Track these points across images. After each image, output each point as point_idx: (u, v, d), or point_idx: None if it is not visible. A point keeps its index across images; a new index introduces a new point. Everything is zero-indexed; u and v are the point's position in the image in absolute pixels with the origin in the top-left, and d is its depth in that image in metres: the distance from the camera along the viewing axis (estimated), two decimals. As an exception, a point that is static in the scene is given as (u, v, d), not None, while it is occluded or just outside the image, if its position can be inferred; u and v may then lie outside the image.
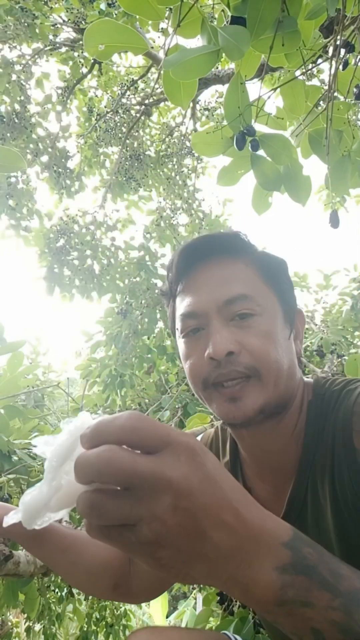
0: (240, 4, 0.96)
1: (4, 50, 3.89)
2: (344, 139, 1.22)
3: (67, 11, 3.99)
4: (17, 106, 4.15)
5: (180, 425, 3.48)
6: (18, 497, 2.04)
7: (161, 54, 3.64)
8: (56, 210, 4.79)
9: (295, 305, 0.79)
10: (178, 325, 0.76)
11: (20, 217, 4.36)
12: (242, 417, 0.67)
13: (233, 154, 1.17)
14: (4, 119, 4.09)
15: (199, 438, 0.94)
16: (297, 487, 0.72)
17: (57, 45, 4.27)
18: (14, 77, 3.99)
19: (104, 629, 2.89)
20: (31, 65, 4.13)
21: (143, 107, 4.92)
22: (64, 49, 4.34)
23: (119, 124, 4.88)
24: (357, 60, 1.14)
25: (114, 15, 3.53)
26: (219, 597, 1.33)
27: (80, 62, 4.40)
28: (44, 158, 4.55)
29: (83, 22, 3.93)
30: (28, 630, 2.74)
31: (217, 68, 3.95)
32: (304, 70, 1.19)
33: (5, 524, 0.49)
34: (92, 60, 4.34)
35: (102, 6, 3.60)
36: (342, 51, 1.13)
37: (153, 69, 4.69)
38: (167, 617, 3.82)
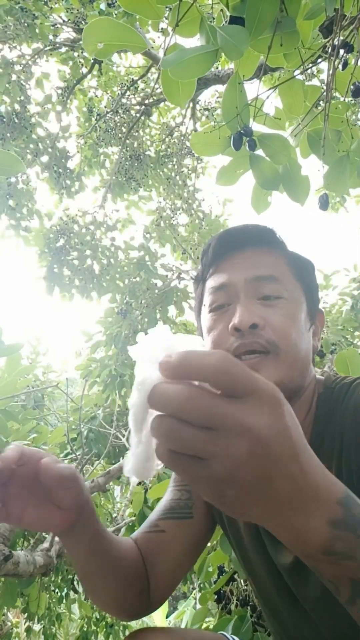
0: (239, 3, 0.95)
1: (4, 50, 3.90)
2: (342, 139, 1.22)
3: (67, 11, 3.99)
4: (17, 106, 4.15)
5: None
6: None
7: (161, 54, 3.64)
8: (56, 210, 4.80)
9: (318, 305, 0.82)
10: (206, 300, 0.78)
11: (20, 217, 4.36)
12: None
13: (232, 153, 1.17)
14: (4, 119, 4.09)
15: None
16: None
17: (57, 45, 4.27)
18: (14, 77, 3.99)
19: (104, 629, 2.89)
20: (31, 65, 4.14)
21: (143, 107, 4.92)
22: (64, 49, 4.35)
23: (119, 124, 4.88)
24: (356, 60, 1.14)
25: (114, 16, 3.54)
26: (216, 597, 1.33)
27: (80, 62, 4.40)
28: (44, 158, 4.55)
29: (83, 22, 3.94)
30: (28, 630, 2.74)
31: (217, 68, 3.96)
32: (302, 70, 1.19)
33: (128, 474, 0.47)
34: (92, 60, 4.34)
35: (102, 6, 3.61)
36: (341, 51, 1.13)
37: (153, 69, 4.69)
38: (167, 617, 3.82)
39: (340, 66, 1.14)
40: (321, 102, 1.24)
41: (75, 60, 4.38)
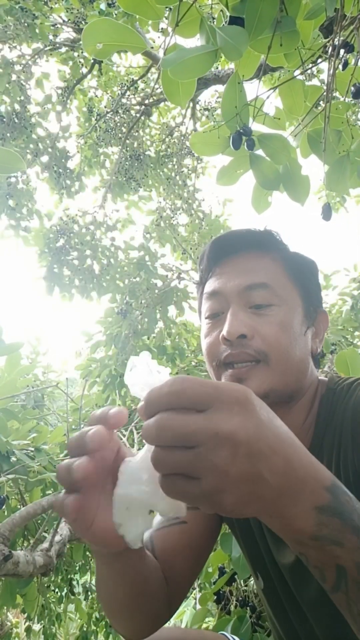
0: (239, 4, 0.95)
1: (4, 50, 3.90)
2: (342, 139, 1.21)
3: (67, 11, 3.99)
4: (17, 106, 4.15)
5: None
6: (16, 497, 2.04)
7: (161, 54, 3.64)
8: (56, 210, 4.79)
9: (319, 306, 0.81)
10: (203, 306, 0.80)
11: (20, 217, 4.36)
12: None
13: (232, 153, 1.17)
14: (4, 119, 4.09)
15: None
16: None
17: (57, 45, 4.27)
18: (14, 77, 3.99)
19: (104, 629, 2.89)
20: (31, 65, 4.13)
21: (143, 107, 4.92)
22: (64, 49, 4.35)
23: (119, 124, 4.88)
24: (357, 60, 1.14)
25: (114, 16, 3.53)
26: (215, 597, 1.33)
27: (80, 62, 4.40)
28: (44, 158, 4.55)
29: (83, 22, 3.94)
30: (28, 630, 2.73)
31: (217, 68, 3.95)
32: (303, 70, 1.19)
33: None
34: (92, 60, 4.34)
35: (102, 6, 3.60)
36: (342, 51, 1.13)
37: (153, 69, 4.69)
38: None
39: (340, 66, 1.14)
40: (321, 102, 1.23)
41: (75, 60, 4.38)
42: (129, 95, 4.91)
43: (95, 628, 2.87)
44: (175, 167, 5.06)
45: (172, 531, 0.79)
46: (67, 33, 4.28)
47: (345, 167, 1.19)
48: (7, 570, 1.46)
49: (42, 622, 2.65)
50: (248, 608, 1.23)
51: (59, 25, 4.10)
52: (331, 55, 1.13)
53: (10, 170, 0.92)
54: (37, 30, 3.72)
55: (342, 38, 1.10)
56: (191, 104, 4.76)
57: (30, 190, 4.46)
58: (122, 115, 4.87)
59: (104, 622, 2.88)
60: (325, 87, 1.17)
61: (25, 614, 2.44)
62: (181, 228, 4.77)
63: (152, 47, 4.03)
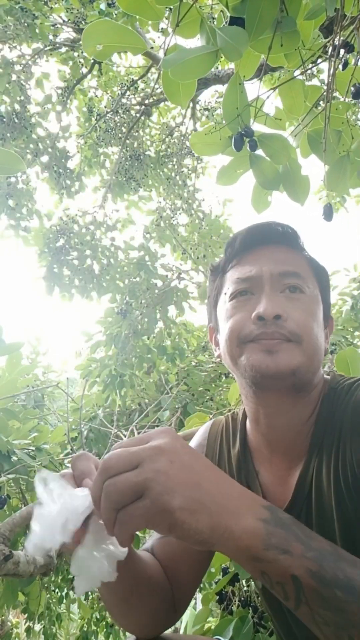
0: (239, 4, 0.95)
1: (4, 50, 3.90)
2: (342, 139, 1.22)
3: (67, 11, 3.99)
4: (17, 106, 4.15)
5: (180, 424, 3.48)
6: (17, 497, 2.05)
7: (161, 54, 3.64)
8: (56, 210, 4.79)
9: (330, 310, 0.84)
10: (228, 289, 0.79)
11: (20, 217, 4.36)
12: (274, 369, 0.68)
13: (232, 153, 1.17)
14: (4, 119, 4.09)
15: (209, 424, 0.95)
16: (304, 472, 0.73)
17: (57, 45, 4.27)
18: (14, 77, 3.99)
19: (104, 629, 2.89)
20: (31, 65, 4.14)
21: (143, 107, 4.92)
22: (64, 49, 4.35)
23: (119, 124, 4.88)
24: (357, 60, 1.14)
25: (114, 16, 3.53)
26: (217, 597, 1.33)
27: (80, 62, 4.40)
28: (44, 158, 4.55)
29: (83, 22, 3.94)
30: (28, 630, 2.74)
31: (217, 68, 3.95)
32: (303, 70, 1.19)
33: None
34: (92, 60, 4.34)
35: (102, 6, 3.60)
36: (342, 51, 1.13)
37: (153, 69, 4.69)
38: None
39: (340, 66, 1.14)
40: (321, 102, 1.24)
41: (75, 60, 4.38)
42: (129, 95, 4.92)
43: (95, 628, 2.87)
44: (175, 167, 5.07)
45: (170, 539, 0.79)
46: (67, 33, 4.28)
47: (346, 167, 1.19)
48: (8, 570, 1.46)
49: (43, 622, 2.65)
50: (250, 608, 1.23)
51: (59, 25, 4.11)
52: (331, 55, 1.13)
53: (10, 170, 0.92)
54: (37, 30, 3.72)
55: (342, 38, 1.10)
56: (191, 104, 4.76)
57: (30, 190, 4.46)
58: (122, 115, 4.87)
59: (104, 623, 2.89)
60: (325, 87, 1.18)
61: (26, 614, 2.44)
62: (181, 228, 4.77)
63: (152, 47, 4.03)
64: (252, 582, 1.26)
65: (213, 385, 4.06)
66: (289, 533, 0.50)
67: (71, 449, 2.28)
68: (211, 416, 1.64)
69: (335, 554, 0.51)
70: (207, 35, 0.94)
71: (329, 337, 0.82)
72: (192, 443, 0.94)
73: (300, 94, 1.19)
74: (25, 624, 2.82)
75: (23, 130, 4.21)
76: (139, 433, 2.95)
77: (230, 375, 4.20)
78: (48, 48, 4.16)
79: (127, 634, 0.77)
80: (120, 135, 4.88)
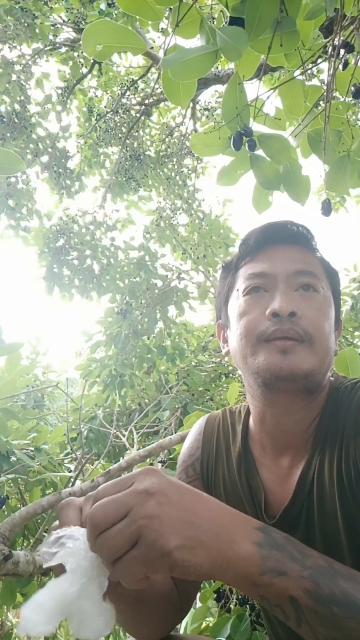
0: (239, 4, 0.95)
1: (4, 50, 3.89)
2: (343, 139, 1.22)
3: (67, 11, 3.99)
4: (17, 106, 4.15)
5: (179, 424, 3.48)
6: (16, 497, 2.04)
7: (161, 54, 3.64)
8: (56, 210, 4.79)
9: (340, 314, 0.84)
10: (241, 285, 0.79)
11: (20, 217, 4.36)
12: (288, 369, 0.68)
13: (232, 154, 1.17)
14: (4, 119, 4.08)
15: (204, 418, 0.94)
16: (306, 469, 0.73)
17: (57, 45, 4.27)
18: (14, 77, 3.99)
19: (104, 629, 2.88)
20: (31, 65, 4.13)
21: (143, 107, 4.92)
22: (64, 49, 4.34)
23: (119, 124, 4.88)
24: (357, 60, 1.14)
25: (114, 15, 3.53)
26: (215, 595, 1.33)
27: (80, 62, 4.40)
28: (44, 158, 4.55)
29: (83, 22, 3.93)
30: (27, 630, 2.73)
31: (217, 68, 3.95)
32: (303, 71, 1.19)
33: None
34: (92, 60, 4.34)
35: (102, 6, 3.60)
36: (342, 51, 1.13)
37: (153, 69, 4.69)
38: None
39: (340, 66, 1.14)
40: (321, 102, 1.24)
41: (75, 60, 4.38)
42: (129, 95, 4.91)
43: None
44: (175, 167, 5.06)
45: None
46: (67, 33, 4.28)
47: (346, 167, 1.19)
48: (7, 570, 1.46)
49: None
50: (247, 606, 1.23)
51: (59, 25, 4.10)
52: (331, 55, 1.13)
53: (10, 170, 0.92)
54: (37, 30, 3.72)
55: (342, 38, 1.10)
56: (191, 104, 4.76)
57: (30, 190, 4.46)
58: (122, 115, 4.87)
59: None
60: (325, 87, 1.18)
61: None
62: (181, 228, 4.77)
63: (152, 48, 4.03)
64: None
65: (213, 385, 4.06)
66: (283, 554, 0.51)
67: (71, 449, 2.28)
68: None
69: (331, 569, 0.51)
70: (207, 35, 0.94)
71: (337, 340, 0.82)
72: (188, 438, 0.94)
73: (300, 94, 1.19)
74: (24, 624, 2.81)
75: (23, 130, 4.21)
76: (138, 433, 2.95)
77: (230, 375, 4.20)
78: (48, 48, 4.16)
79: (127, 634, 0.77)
80: (120, 135, 4.88)
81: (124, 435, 2.76)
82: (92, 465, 2.53)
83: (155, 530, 0.47)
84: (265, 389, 0.71)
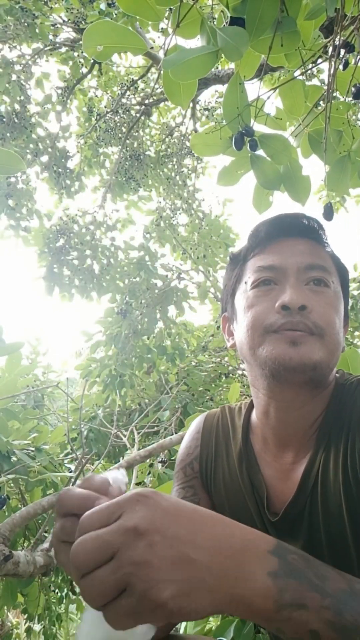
0: (239, 4, 0.95)
1: (4, 50, 3.89)
2: (343, 139, 1.22)
3: (67, 11, 3.99)
4: (17, 106, 4.15)
5: (179, 424, 3.48)
6: (17, 497, 2.04)
7: (161, 54, 3.64)
8: (56, 210, 4.80)
9: (348, 309, 0.83)
10: (249, 278, 0.77)
11: (20, 217, 4.36)
12: (298, 360, 0.67)
13: (233, 154, 1.17)
14: (4, 119, 4.09)
15: (202, 417, 0.93)
16: (309, 466, 0.73)
17: (57, 45, 4.27)
18: (14, 77, 3.99)
19: (104, 629, 2.88)
20: (31, 65, 4.13)
21: (143, 107, 4.92)
22: (64, 49, 4.34)
23: (119, 124, 4.88)
24: (357, 60, 1.14)
25: (114, 15, 3.53)
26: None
27: (80, 62, 4.40)
28: (44, 158, 4.55)
29: (83, 22, 3.93)
30: (28, 630, 2.74)
31: (217, 68, 3.95)
32: (303, 71, 1.19)
33: None
34: (92, 60, 4.34)
35: (102, 6, 3.60)
36: (342, 51, 1.13)
37: (153, 69, 4.69)
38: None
39: (341, 66, 1.14)
40: (322, 102, 1.24)
41: (75, 60, 4.38)
42: (129, 95, 4.92)
43: (95, 628, 2.87)
44: (175, 167, 5.07)
45: None
46: (67, 33, 4.28)
47: (346, 167, 1.19)
48: (8, 570, 1.46)
49: (43, 622, 2.65)
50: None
51: (59, 25, 4.10)
52: (332, 55, 1.13)
53: (10, 170, 0.92)
54: (37, 30, 3.72)
55: (342, 38, 1.10)
56: (191, 104, 4.76)
57: (30, 190, 4.46)
58: (122, 115, 4.87)
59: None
60: (325, 87, 1.18)
61: (26, 615, 2.44)
62: (181, 228, 4.77)
63: (152, 48, 4.03)
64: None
65: (213, 385, 4.06)
66: (302, 582, 0.45)
67: (71, 449, 2.28)
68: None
69: (352, 591, 0.46)
70: (207, 36, 0.94)
71: (344, 336, 0.82)
72: (186, 436, 0.93)
73: (300, 94, 1.19)
74: (25, 624, 2.82)
75: (23, 130, 4.21)
76: (139, 433, 2.95)
77: (230, 375, 4.20)
78: (48, 48, 4.16)
79: None
80: (120, 135, 4.88)
81: (124, 435, 2.77)
82: (93, 465, 2.54)
83: (145, 580, 0.39)
84: (273, 380, 0.70)
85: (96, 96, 5.14)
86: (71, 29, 4.18)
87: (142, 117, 5.01)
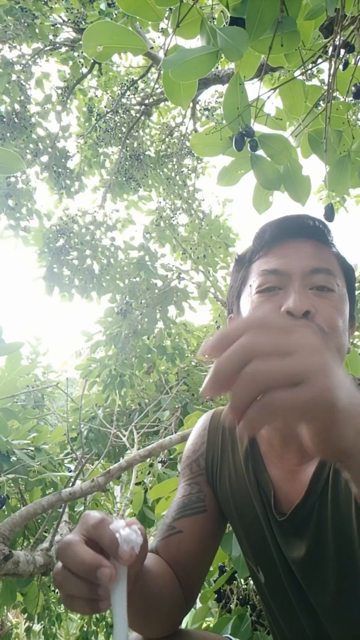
0: (240, 4, 0.95)
1: (4, 50, 3.89)
2: (343, 139, 1.22)
3: (67, 11, 3.99)
4: (17, 106, 4.15)
5: (179, 424, 3.48)
6: (17, 497, 2.04)
7: (161, 54, 3.64)
8: (56, 210, 4.80)
9: (354, 310, 0.83)
10: (254, 281, 0.77)
11: (20, 217, 4.36)
12: None
13: (233, 154, 1.17)
14: (4, 119, 4.09)
15: (209, 414, 0.93)
16: (320, 468, 0.73)
17: (57, 45, 4.27)
18: (14, 77, 3.99)
19: (104, 629, 2.89)
20: (31, 65, 4.13)
21: (143, 107, 4.92)
22: (64, 49, 4.34)
23: (119, 124, 4.88)
24: (357, 60, 1.14)
25: (114, 15, 3.53)
26: (216, 595, 1.33)
27: (80, 62, 4.40)
28: (44, 158, 4.55)
29: (83, 22, 3.93)
30: (28, 630, 2.74)
31: (217, 68, 3.95)
32: (303, 71, 1.19)
33: None
34: (92, 60, 4.34)
35: (102, 6, 3.60)
36: (342, 51, 1.13)
37: (153, 69, 4.69)
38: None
39: (341, 66, 1.14)
40: (322, 102, 1.24)
41: (75, 60, 4.38)
42: (129, 95, 4.91)
43: (95, 628, 2.87)
44: (175, 167, 5.07)
45: (170, 541, 0.80)
46: (67, 33, 4.28)
47: (346, 167, 1.19)
48: (7, 569, 1.46)
49: (43, 622, 2.65)
50: (248, 606, 1.23)
51: (59, 25, 4.10)
52: (332, 55, 1.13)
53: (10, 170, 0.92)
54: (37, 30, 3.72)
55: (342, 38, 1.11)
56: (191, 104, 4.76)
57: (30, 190, 4.46)
58: (122, 115, 4.87)
59: (104, 623, 2.89)
60: (325, 87, 1.18)
61: (26, 615, 2.44)
62: (181, 228, 4.77)
63: (152, 48, 4.03)
64: (250, 581, 1.26)
65: (213, 385, 4.05)
66: None
67: (71, 449, 2.28)
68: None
69: None
70: (207, 36, 0.94)
71: (351, 336, 0.82)
72: (192, 433, 0.93)
73: (300, 94, 1.19)
74: (25, 624, 2.82)
75: (23, 130, 4.21)
76: (138, 433, 2.95)
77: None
78: (48, 48, 4.16)
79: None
80: (120, 135, 4.88)
81: (124, 435, 2.76)
82: (92, 465, 2.53)
83: (328, 378, 0.39)
84: None
85: (96, 96, 5.14)
86: (71, 29, 4.18)
87: (142, 117, 5.01)
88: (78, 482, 1.86)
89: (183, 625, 1.47)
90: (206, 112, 5.09)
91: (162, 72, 0.96)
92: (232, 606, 1.28)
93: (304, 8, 1.03)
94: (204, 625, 1.33)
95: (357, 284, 4.41)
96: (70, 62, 4.39)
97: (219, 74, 3.71)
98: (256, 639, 1.13)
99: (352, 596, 0.66)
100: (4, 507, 1.79)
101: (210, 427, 0.90)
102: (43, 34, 3.75)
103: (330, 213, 1.17)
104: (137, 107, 5.01)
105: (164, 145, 5.28)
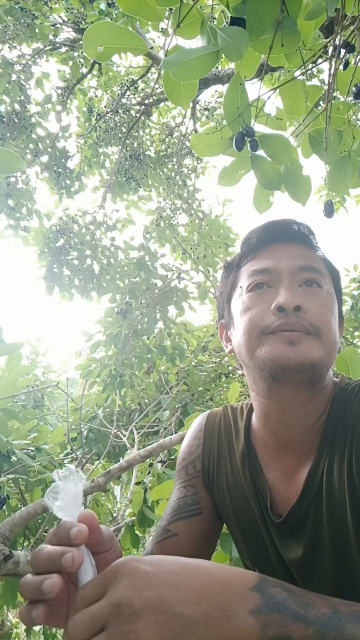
0: (240, 4, 0.95)
1: (4, 50, 3.89)
2: (344, 139, 1.22)
3: (67, 11, 3.99)
4: (17, 106, 4.15)
5: (179, 424, 3.49)
6: (17, 497, 2.05)
7: (161, 54, 3.64)
8: (56, 210, 4.80)
9: (342, 311, 0.84)
10: (244, 282, 0.79)
11: (20, 217, 4.36)
12: (296, 360, 0.67)
13: (233, 154, 1.17)
14: (4, 119, 4.09)
15: (204, 415, 0.93)
16: (314, 469, 0.73)
17: (57, 45, 4.27)
18: (14, 77, 3.99)
19: (104, 629, 2.88)
20: (31, 65, 4.13)
21: (143, 107, 4.92)
22: (64, 49, 4.34)
23: (119, 124, 4.88)
24: (357, 60, 1.14)
25: (114, 15, 3.53)
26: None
27: (80, 62, 4.40)
28: (44, 158, 4.55)
29: (83, 22, 3.93)
30: (28, 630, 2.74)
31: (217, 68, 3.95)
32: (303, 71, 1.19)
33: None
34: (92, 61, 4.34)
35: (102, 6, 3.60)
36: (342, 51, 1.13)
37: (153, 69, 4.69)
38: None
39: (341, 66, 1.14)
40: (322, 102, 1.24)
41: (75, 60, 4.38)
42: (129, 95, 4.92)
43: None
44: (175, 167, 5.07)
45: (165, 544, 0.80)
46: (67, 33, 4.28)
47: (347, 167, 1.19)
48: (8, 570, 1.46)
49: (42, 622, 2.65)
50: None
51: (59, 25, 4.10)
52: (332, 55, 1.13)
53: (10, 170, 0.92)
54: (37, 30, 3.72)
55: (343, 38, 1.10)
56: (191, 104, 4.75)
57: (30, 190, 4.46)
58: (122, 115, 4.87)
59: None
60: (326, 87, 1.18)
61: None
62: (181, 228, 4.77)
63: (152, 48, 4.03)
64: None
65: (213, 385, 4.07)
66: (285, 614, 0.46)
67: (71, 449, 2.28)
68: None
69: (335, 615, 0.47)
70: (207, 36, 0.94)
71: (340, 336, 0.82)
72: (188, 435, 0.93)
73: (301, 94, 1.19)
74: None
75: (23, 130, 4.21)
76: (139, 433, 2.95)
77: (230, 375, 4.20)
78: (48, 48, 4.16)
79: None
80: (120, 135, 4.89)
81: (124, 435, 2.77)
82: (93, 465, 2.54)
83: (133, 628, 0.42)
84: (272, 381, 0.70)
85: (96, 96, 5.14)
86: (71, 29, 4.18)
87: (142, 117, 5.01)
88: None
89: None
90: (206, 112, 5.09)
91: (162, 72, 0.96)
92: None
93: (305, 8, 1.03)
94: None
95: (358, 284, 4.40)
96: (70, 62, 4.39)
97: (219, 74, 3.71)
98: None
99: (349, 596, 0.67)
100: (4, 507, 1.79)
101: (206, 428, 0.90)
102: (43, 34, 3.76)
103: (329, 210, 1.17)
104: (137, 107, 5.01)
105: (164, 145, 5.28)
